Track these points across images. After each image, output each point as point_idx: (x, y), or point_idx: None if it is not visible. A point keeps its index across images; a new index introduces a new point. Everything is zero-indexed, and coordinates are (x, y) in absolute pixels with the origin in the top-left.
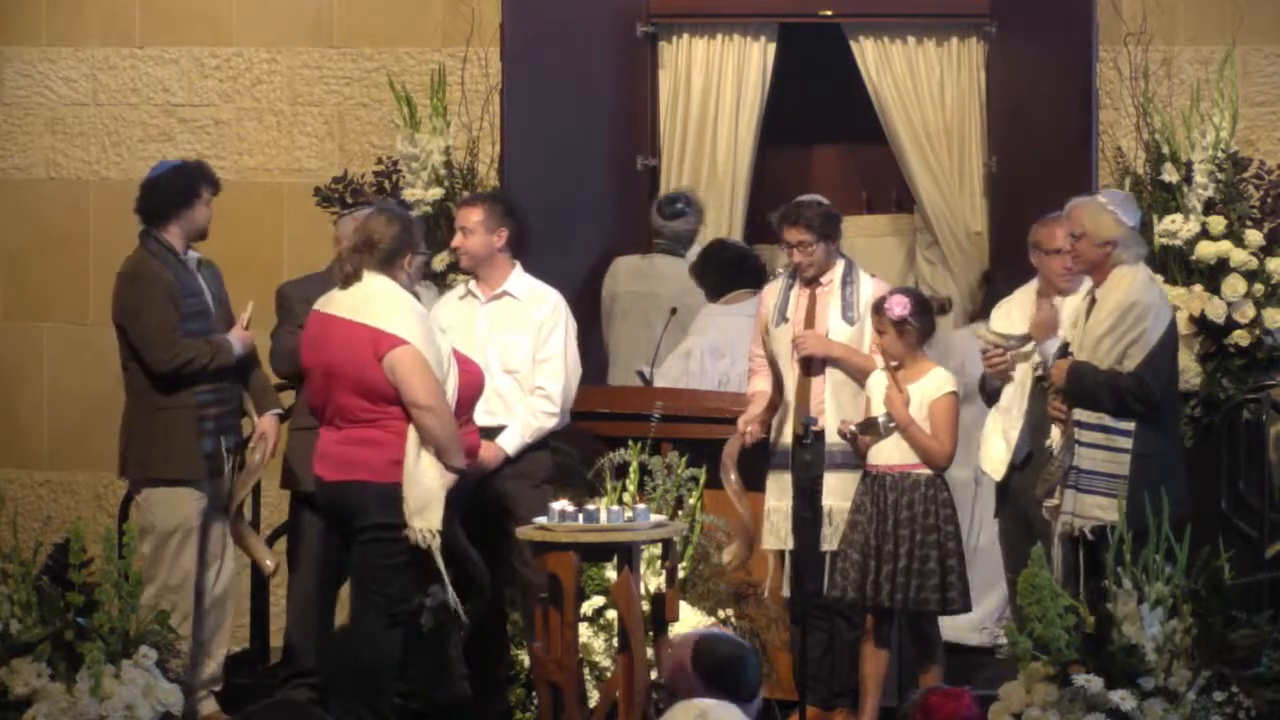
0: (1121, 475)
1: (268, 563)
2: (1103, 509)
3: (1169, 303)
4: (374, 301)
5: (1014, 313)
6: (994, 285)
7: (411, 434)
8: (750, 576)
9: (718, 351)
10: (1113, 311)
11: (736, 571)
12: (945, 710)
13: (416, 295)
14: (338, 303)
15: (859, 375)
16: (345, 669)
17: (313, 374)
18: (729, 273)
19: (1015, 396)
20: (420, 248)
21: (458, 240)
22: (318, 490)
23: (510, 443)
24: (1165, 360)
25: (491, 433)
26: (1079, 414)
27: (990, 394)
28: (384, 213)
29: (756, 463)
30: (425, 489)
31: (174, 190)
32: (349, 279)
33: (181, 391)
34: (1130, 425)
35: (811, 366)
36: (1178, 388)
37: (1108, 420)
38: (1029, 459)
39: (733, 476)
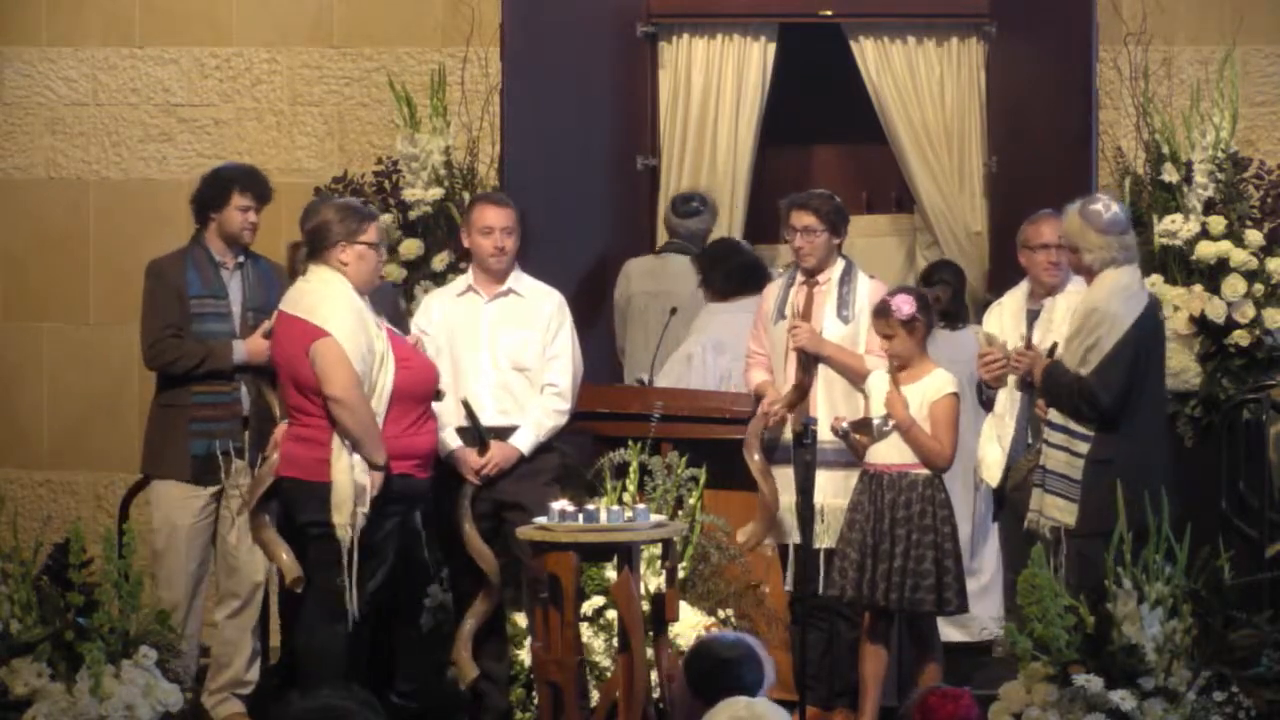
0: (1076, 479)
1: (290, 573)
2: (1060, 511)
3: (1155, 308)
4: (306, 294)
5: (1005, 316)
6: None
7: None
8: (750, 576)
9: (720, 347)
10: (1077, 315)
11: (750, 551)
12: (945, 710)
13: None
14: (285, 297)
15: (849, 374)
16: (300, 661)
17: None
18: (741, 277)
19: (1008, 402)
20: (358, 237)
21: (499, 240)
22: None
23: (525, 442)
24: (1120, 369)
25: (504, 433)
26: (1051, 415)
27: (986, 400)
28: (314, 205)
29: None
30: (339, 485)
31: (207, 192)
32: (295, 273)
33: (178, 390)
34: (1089, 430)
35: (807, 365)
36: (1157, 395)
37: (1070, 424)
38: None
39: (756, 456)
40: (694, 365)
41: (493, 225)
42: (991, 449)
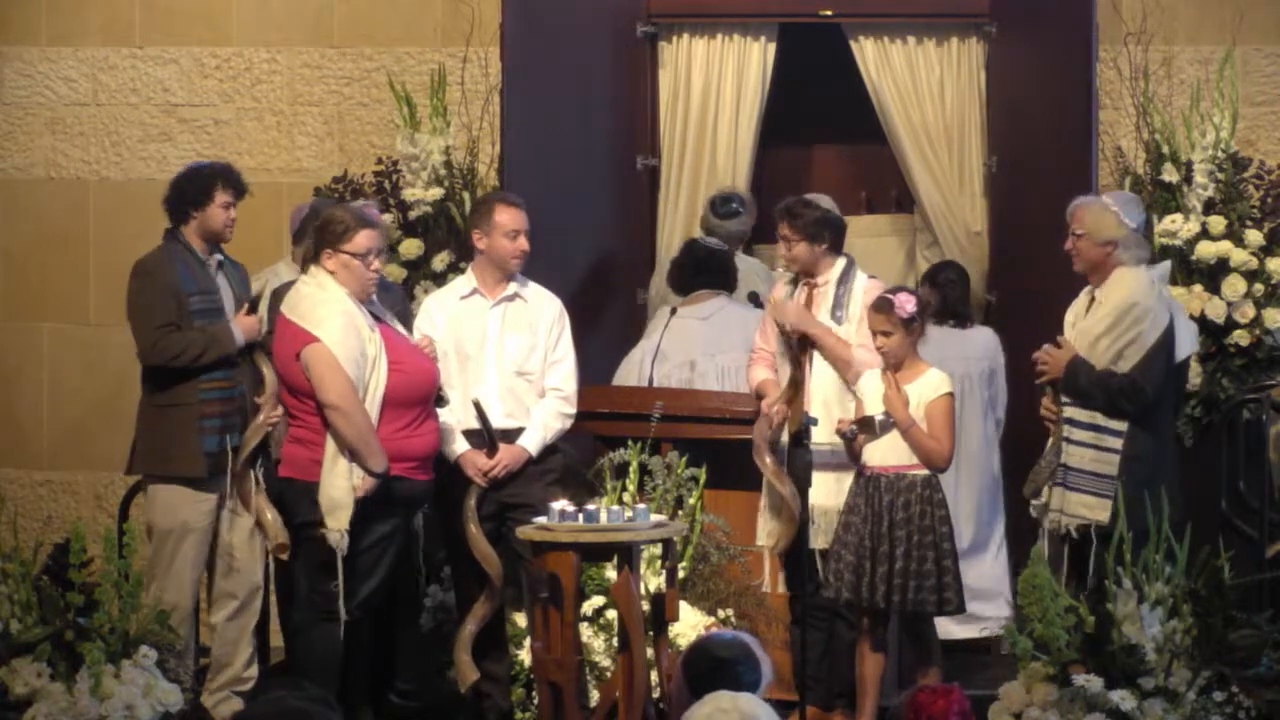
0: (1110, 475)
1: (275, 537)
2: (1089, 508)
3: (1169, 307)
4: (303, 298)
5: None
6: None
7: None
8: (750, 575)
9: (662, 356)
10: (1111, 312)
11: (777, 551)
12: (935, 707)
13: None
14: (285, 299)
15: (833, 359)
16: (294, 661)
17: None
18: (694, 271)
19: None
20: (341, 245)
21: (523, 243)
22: None
23: (533, 443)
24: (1160, 363)
25: (511, 435)
26: (1070, 412)
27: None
28: (313, 209)
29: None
30: (336, 489)
31: (188, 190)
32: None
33: (183, 388)
34: (1122, 426)
35: (797, 357)
36: (1174, 391)
37: (1099, 419)
38: None
39: (768, 459)
40: (628, 369)
41: (517, 228)
42: None
